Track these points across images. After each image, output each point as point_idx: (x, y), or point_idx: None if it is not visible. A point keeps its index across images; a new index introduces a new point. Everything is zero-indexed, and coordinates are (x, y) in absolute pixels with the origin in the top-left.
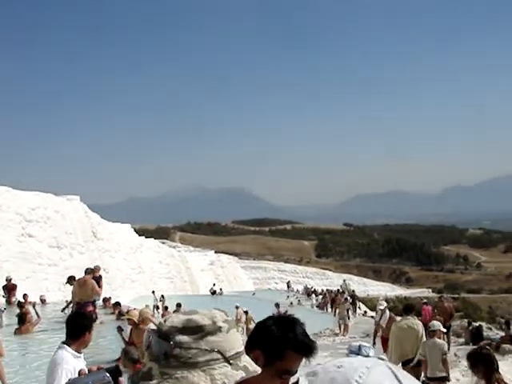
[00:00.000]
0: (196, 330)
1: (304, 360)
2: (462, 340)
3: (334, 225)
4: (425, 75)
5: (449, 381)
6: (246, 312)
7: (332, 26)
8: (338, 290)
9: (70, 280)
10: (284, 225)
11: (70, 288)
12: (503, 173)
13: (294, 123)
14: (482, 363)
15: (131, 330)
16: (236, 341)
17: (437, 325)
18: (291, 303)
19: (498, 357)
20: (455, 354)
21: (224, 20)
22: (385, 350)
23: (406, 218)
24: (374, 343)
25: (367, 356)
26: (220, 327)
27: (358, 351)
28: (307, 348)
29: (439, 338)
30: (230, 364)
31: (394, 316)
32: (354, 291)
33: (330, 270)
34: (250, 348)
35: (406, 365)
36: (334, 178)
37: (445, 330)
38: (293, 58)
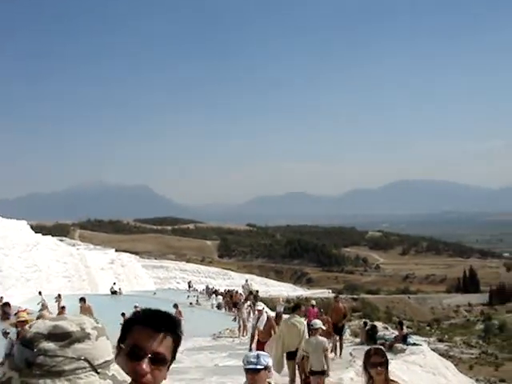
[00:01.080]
0: (63, 337)
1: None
2: (358, 340)
3: (237, 225)
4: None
5: (328, 375)
6: None
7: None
8: (237, 291)
9: None
10: (187, 224)
11: None
12: (401, 177)
13: (199, 122)
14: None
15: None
16: (105, 349)
17: (318, 323)
18: (191, 303)
19: (390, 356)
20: (351, 354)
21: None
22: None
23: (307, 220)
24: (251, 349)
25: (266, 366)
26: (89, 334)
27: (256, 362)
28: (155, 320)
29: (321, 336)
30: (98, 373)
31: (272, 318)
32: (257, 292)
33: (233, 270)
34: (118, 345)
35: (290, 358)
36: (238, 178)
37: (324, 328)
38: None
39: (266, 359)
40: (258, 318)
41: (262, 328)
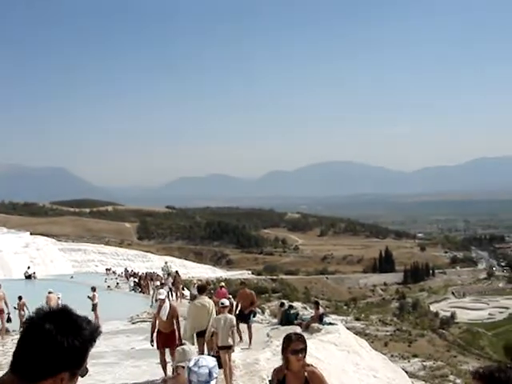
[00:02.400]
0: None
1: None
2: (275, 320)
3: (157, 207)
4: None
5: (233, 351)
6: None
7: None
8: (157, 274)
9: None
10: (105, 206)
11: None
12: (318, 160)
13: (122, 105)
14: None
15: None
16: None
17: (226, 302)
18: (109, 286)
19: (307, 335)
20: (268, 335)
21: None
22: (159, 347)
23: (227, 202)
24: (152, 340)
25: (211, 373)
26: None
27: (209, 380)
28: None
29: (229, 313)
30: None
31: (176, 307)
32: (177, 272)
33: (152, 253)
34: (53, 373)
35: (200, 336)
36: (157, 160)
37: (228, 303)
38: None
39: (216, 370)
40: (160, 307)
41: (164, 318)
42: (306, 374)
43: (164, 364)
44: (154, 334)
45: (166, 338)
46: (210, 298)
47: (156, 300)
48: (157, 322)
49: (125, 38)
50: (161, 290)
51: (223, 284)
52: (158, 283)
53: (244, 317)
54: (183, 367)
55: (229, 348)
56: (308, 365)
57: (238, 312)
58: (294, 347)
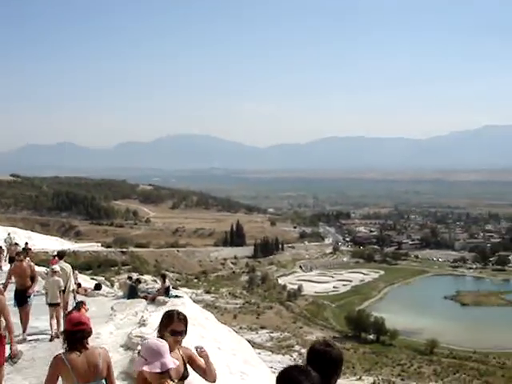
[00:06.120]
0: None
1: None
2: (121, 293)
3: (0, 175)
4: None
5: (60, 306)
6: None
7: None
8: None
9: None
10: None
11: None
12: (172, 132)
13: None
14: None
15: None
16: None
17: (56, 267)
18: None
19: (153, 308)
20: (112, 308)
21: None
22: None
23: (76, 171)
24: None
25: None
26: None
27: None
28: None
29: (58, 277)
30: None
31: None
32: (27, 243)
33: None
34: None
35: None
36: (4, 126)
37: (58, 268)
38: None
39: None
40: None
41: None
42: (181, 354)
43: None
44: None
45: None
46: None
47: None
48: None
49: None
50: None
51: (55, 253)
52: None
53: (22, 299)
54: None
55: (57, 305)
56: (183, 347)
57: (14, 293)
58: (174, 328)
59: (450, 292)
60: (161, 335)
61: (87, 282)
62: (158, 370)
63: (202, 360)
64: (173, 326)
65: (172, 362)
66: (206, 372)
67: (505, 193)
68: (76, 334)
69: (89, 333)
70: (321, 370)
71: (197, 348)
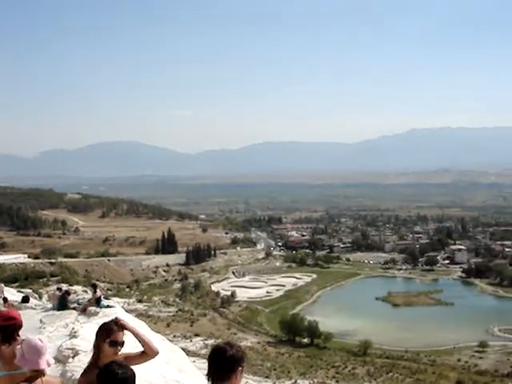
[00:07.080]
0: None
1: None
2: (50, 305)
3: None
4: None
5: None
6: None
7: None
8: None
9: None
10: None
11: None
12: (102, 140)
13: None
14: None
15: None
16: None
17: None
18: None
19: (84, 319)
20: (41, 321)
21: None
22: None
23: (1, 181)
24: None
25: None
26: None
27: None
28: None
29: None
30: None
31: None
32: None
33: None
34: None
35: None
36: None
37: None
38: None
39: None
40: None
41: None
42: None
43: None
44: None
45: None
46: None
47: None
48: None
49: None
50: None
51: None
52: None
53: None
54: None
55: None
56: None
57: None
58: (114, 338)
59: (382, 293)
60: (98, 347)
61: (14, 295)
62: (31, 367)
63: (133, 350)
64: (112, 336)
65: (46, 363)
66: (144, 351)
67: (432, 194)
68: (8, 328)
69: (20, 326)
70: (217, 366)
71: (115, 321)
